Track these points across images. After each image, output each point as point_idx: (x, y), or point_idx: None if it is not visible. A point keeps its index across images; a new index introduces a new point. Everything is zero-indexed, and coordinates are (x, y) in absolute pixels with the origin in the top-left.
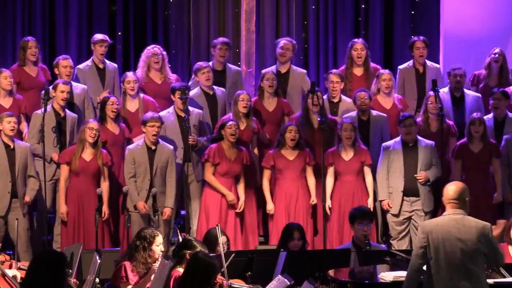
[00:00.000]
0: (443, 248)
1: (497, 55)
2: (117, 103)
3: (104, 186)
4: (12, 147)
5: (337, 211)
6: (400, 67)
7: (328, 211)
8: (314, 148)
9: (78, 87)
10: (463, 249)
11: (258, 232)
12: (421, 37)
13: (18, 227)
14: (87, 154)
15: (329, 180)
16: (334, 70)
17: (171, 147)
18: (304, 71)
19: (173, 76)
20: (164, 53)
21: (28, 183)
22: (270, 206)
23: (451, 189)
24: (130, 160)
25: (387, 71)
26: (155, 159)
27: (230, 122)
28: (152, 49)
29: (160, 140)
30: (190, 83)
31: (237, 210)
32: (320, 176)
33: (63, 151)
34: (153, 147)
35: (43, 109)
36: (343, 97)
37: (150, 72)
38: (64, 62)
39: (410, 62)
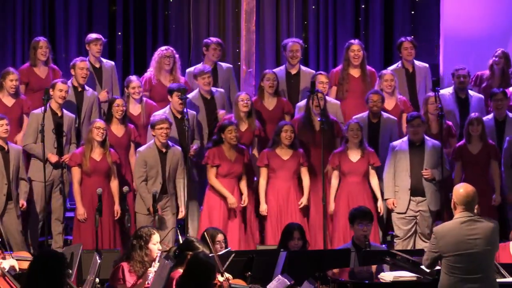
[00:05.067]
0: (457, 251)
1: (497, 58)
2: (124, 105)
3: (114, 184)
4: (6, 149)
5: (343, 212)
6: (390, 68)
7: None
8: (315, 149)
9: (89, 91)
10: (477, 250)
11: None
12: (409, 38)
13: (3, 227)
14: (96, 154)
15: (334, 182)
16: (321, 72)
17: (180, 148)
18: (313, 71)
19: (182, 79)
20: (177, 55)
21: (20, 186)
22: (263, 207)
23: (461, 192)
24: (141, 163)
25: (389, 71)
26: (167, 162)
27: (230, 127)
28: (166, 50)
29: (169, 142)
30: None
31: (242, 205)
32: (314, 177)
33: (72, 154)
34: (164, 150)
35: (42, 108)
36: (328, 98)
37: (160, 73)
38: (81, 64)
39: (399, 63)
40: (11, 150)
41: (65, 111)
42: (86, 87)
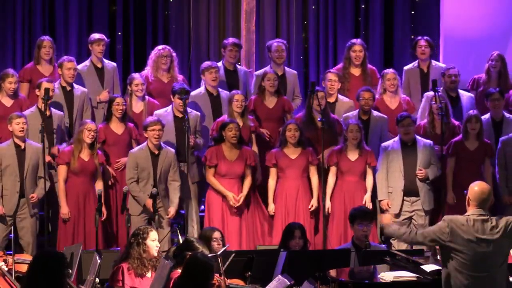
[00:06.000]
0: (464, 246)
1: (494, 61)
2: (124, 103)
3: (99, 186)
4: (22, 147)
5: (339, 211)
6: (405, 67)
7: (327, 213)
8: (317, 148)
9: (79, 89)
10: (483, 250)
11: (268, 232)
12: (425, 37)
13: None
14: (85, 154)
15: (331, 179)
16: (332, 69)
17: (173, 150)
18: (295, 72)
19: (180, 77)
20: (174, 54)
21: (38, 183)
22: (271, 207)
23: (476, 189)
24: (133, 164)
25: (391, 70)
26: (159, 164)
27: (231, 125)
28: (163, 50)
29: (162, 144)
30: (202, 82)
31: (235, 204)
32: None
33: (60, 152)
34: (156, 152)
35: (31, 109)
36: (340, 97)
37: (158, 71)
38: (68, 64)
39: (415, 63)
40: (27, 148)
41: (53, 110)
42: (75, 86)
